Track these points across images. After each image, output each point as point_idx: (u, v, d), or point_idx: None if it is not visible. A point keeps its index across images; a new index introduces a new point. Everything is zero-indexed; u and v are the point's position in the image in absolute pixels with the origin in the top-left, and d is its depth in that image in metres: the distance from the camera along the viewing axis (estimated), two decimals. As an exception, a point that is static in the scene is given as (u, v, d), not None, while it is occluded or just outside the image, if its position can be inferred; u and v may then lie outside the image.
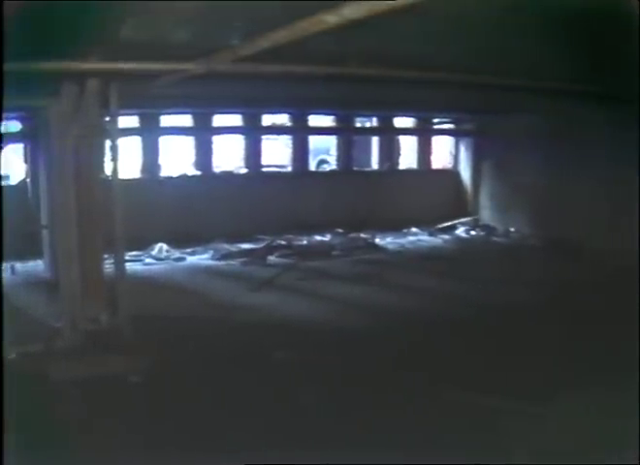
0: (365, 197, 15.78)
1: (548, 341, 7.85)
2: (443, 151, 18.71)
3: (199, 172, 14.87)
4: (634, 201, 12.84)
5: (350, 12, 3.82)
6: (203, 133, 14.91)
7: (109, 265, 8.07)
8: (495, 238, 15.58)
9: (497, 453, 5.07)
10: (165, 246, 12.65)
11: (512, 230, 15.85)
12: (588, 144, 13.68)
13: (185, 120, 14.86)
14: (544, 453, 5.11)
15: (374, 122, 17.97)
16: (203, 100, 11.99)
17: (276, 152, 18.36)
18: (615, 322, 8.57)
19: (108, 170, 7.90)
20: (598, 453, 5.10)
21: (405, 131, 18.34)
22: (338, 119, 16.64)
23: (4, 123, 10.79)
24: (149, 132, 14.13)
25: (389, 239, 14.85)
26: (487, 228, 16.28)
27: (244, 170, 15.72)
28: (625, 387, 6.38)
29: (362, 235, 14.59)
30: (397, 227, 15.58)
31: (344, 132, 16.80)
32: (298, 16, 4.52)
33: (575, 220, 13.96)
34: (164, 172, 14.79)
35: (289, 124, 16.55)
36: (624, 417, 5.64)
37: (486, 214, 16.99)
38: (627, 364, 6.97)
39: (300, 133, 16.23)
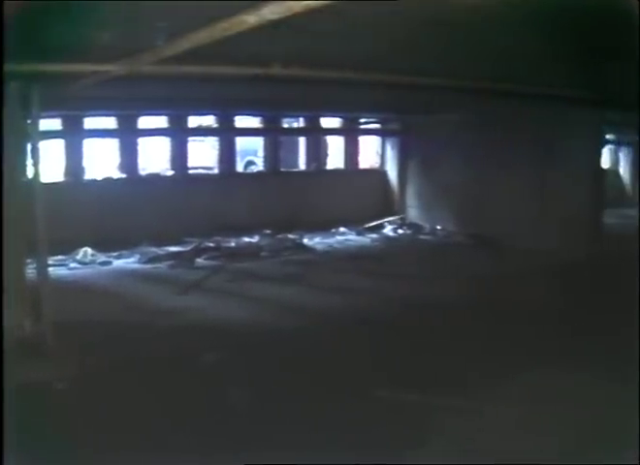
0: (293, 197, 15.80)
1: (474, 337, 8.00)
2: (370, 151, 18.88)
3: (124, 175, 14.67)
4: (560, 200, 13.18)
5: (269, 12, 3.83)
6: (127, 135, 14.72)
7: (32, 270, 7.91)
8: (421, 236, 15.77)
9: (427, 449, 5.18)
10: (90, 250, 12.41)
11: (439, 227, 16.07)
12: (514, 144, 13.95)
13: (109, 122, 14.66)
14: (473, 448, 5.23)
15: (301, 123, 18.04)
16: (127, 101, 11.86)
17: (203, 154, 18.24)
18: (539, 319, 8.81)
19: (30, 173, 7.74)
20: (523, 446, 5.24)
21: (332, 131, 18.44)
22: (265, 120, 16.64)
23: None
24: (73, 134, 13.90)
25: (317, 239, 14.89)
26: (414, 226, 16.48)
27: (171, 173, 15.58)
28: (551, 382, 6.58)
29: (290, 236, 14.59)
30: (325, 227, 15.64)
31: (271, 133, 16.79)
32: (219, 17, 4.51)
33: (501, 218, 14.22)
34: (88, 175, 14.53)
35: (215, 125, 16.46)
36: (553, 411, 5.81)
37: (413, 213, 17.20)
38: (551, 359, 7.18)
39: (226, 134, 16.14)
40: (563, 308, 9.43)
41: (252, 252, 13.19)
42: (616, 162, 23.65)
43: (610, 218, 17.28)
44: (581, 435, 5.45)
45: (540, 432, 5.48)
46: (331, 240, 15.01)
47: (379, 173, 18.17)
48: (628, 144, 22.97)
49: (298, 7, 3.77)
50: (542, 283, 10.82)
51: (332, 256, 13.50)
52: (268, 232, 14.62)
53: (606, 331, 8.30)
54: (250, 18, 4.10)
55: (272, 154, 16.77)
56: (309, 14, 3.89)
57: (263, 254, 13.14)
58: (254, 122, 17.15)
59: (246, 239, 14.26)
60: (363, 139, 18.66)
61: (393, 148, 18.01)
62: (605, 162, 21.71)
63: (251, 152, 19.52)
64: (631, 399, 5.98)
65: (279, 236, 14.50)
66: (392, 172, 17.98)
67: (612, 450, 5.13)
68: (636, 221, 19.54)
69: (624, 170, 23.54)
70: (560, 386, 6.52)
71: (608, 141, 21.78)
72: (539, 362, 7.08)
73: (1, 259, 6.17)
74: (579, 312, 9.25)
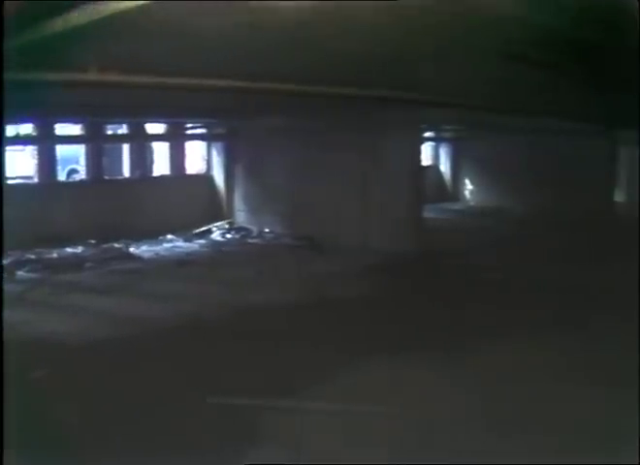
0: (117, 206, 15.42)
1: (302, 337, 8.13)
2: (196, 156, 18.80)
3: None
4: (382, 198, 13.62)
5: (76, 17, 3.75)
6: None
7: None
8: (250, 240, 15.82)
9: (261, 451, 5.24)
10: None
11: (267, 230, 16.19)
12: (337, 145, 14.27)
13: None
14: (305, 447, 5.32)
15: (125, 129, 17.69)
16: None
17: (22, 163, 17.57)
18: (364, 316, 9.07)
19: None
20: (352, 443, 5.38)
21: (157, 137, 18.19)
22: (87, 127, 16.20)
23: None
24: None
25: (144, 248, 14.60)
26: (242, 230, 16.54)
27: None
28: (382, 378, 6.79)
29: (116, 245, 14.28)
30: (152, 234, 15.40)
31: (93, 140, 16.35)
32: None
33: (327, 219, 14.52)
34: None
35: (34, 134, 15.85)
36: (383, 408, 5.99)
37: (241, 217, 17.25)
38: (378, 355, 7.40)
39: (45, 142, 15.57)
40: (388, 304, 9.76)
41: (76, 263, 12.80)
42: (436, 158, 24.68)
43: (431, 213, 18.13)
44: (411, 430, 5.66)
45: (370, 429, 5.65)
46: (158, 248, 14.75)
47: (206, 179, 18.10)
48: (448, 141, 24.03)
49: (106, 11, 3.72)
50: (367, 280, 11.16)
51: (159, 263, 13.31)
52: (92, 241, 14.23)
53: (431, 325, 8.67)
54: (57, 23, 4.01)
55: (94, 162, 16.30)
56: (128, 17, 3.84)
57: (87, 264, 12.76)
58: (75, 129, 16.69)
59: (70, 250, 13.82)
60: (188, 145, 18.55)
61: (219, 153, 17.98)
62: (425, 159, 22.61)
63: (73, 160, 19.00)
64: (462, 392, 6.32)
65: (104, 246, 14.14)
66: (219, 177, 17.96)
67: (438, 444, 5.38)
68: (456, 215, 20.60)
69: (444, 167, 24.61)
70: (391, 381, 6.75)
71: (428, 139, 22.67)
72: (366, 359, 7.30)
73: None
74: (403, 307, 9.60)
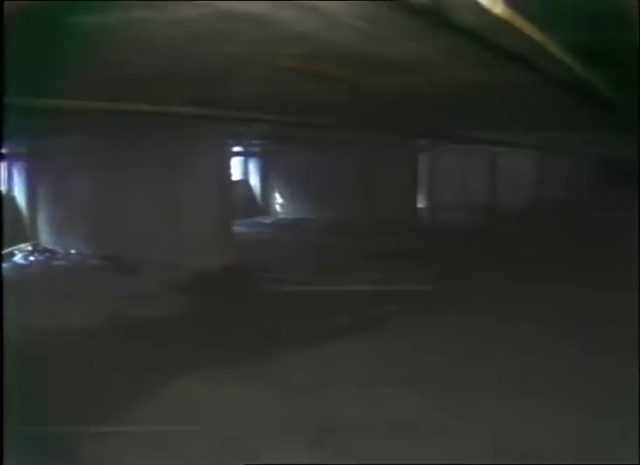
0: None
1: (108, 361, 7.96)
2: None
3: None
4: (191, 214, 13.60)
5: None
6: None
7: None
8: (55, 262, 15.30)
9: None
10: None
11: (73, 252, 15.74)
12: (143, 162, 14.14)
13: None
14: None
15: None
16: None
17: None
18: (175, 336, 9.03)
19: None
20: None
21: (-47, 157, 17.31)
22: None
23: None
24: None
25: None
26: (46, 252, 15.99)
27: None
28: (191, 395, 6.78)
29: None
30: (-52, 259, 14.61)
31: None
32: None
33: (135, 237, 14.33)
34: None
35: None
36: (191, 430, 5.98)
37: (45, 238, 16.70)
38: (191, 371, 7.39)
39: None
40: (196, 322, 9.76)
41: None
42: (246, 173, 24.98)
43: (242, 227, 18.36)
44: (229, 444, 5.68)
45: (191, 447, 5.64)
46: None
47: (7, 199, 17.38)
48: (257, 156, 24.39)
49: None
50: (176, 298, 11.11)
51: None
52: None
53: (240, 340, 8.74)
54: None
55: None
56: None
57: None
58: None
59: None
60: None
61: (20, 173, 17.34)
62: (235, 174, 22.86)
63: None
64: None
65: None
66: (20, 198, 17.32)
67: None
68: (267, 229, 20.93)
69: (254, 181, 24.93)
70: (204, 399, 6.75)
71: (237, 154, 22.91)
72: (178, 378, 7.26)
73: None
74: (215, 322, 9.64)
